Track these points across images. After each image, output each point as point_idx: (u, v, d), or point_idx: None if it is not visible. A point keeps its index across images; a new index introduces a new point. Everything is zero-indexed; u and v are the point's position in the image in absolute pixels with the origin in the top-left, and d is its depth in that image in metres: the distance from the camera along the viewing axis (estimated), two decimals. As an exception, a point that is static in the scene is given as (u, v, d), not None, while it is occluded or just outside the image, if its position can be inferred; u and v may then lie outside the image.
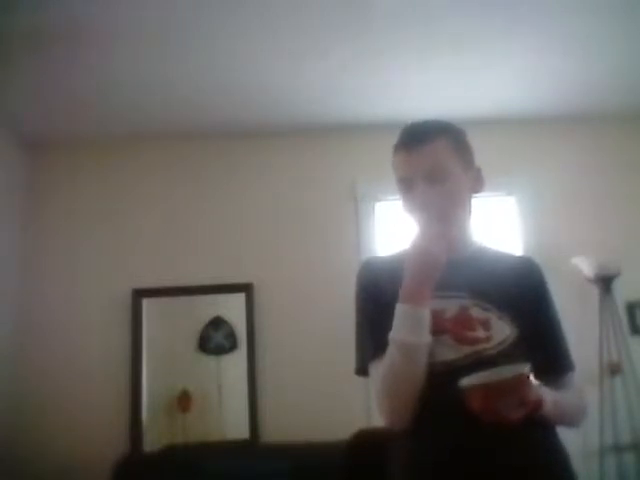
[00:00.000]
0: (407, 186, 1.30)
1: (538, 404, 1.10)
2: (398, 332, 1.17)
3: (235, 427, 3.00)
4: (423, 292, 1.17)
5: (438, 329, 1.20)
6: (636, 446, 2.91)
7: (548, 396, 1.15)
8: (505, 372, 1.05)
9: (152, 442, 2.91)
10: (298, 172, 3.32)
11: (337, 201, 3.27)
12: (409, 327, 1.16)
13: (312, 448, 2.69)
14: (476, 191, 1.35)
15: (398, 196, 1.35)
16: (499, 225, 3.22)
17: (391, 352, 1.18)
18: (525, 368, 1.06)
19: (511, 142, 3.25)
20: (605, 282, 3.02)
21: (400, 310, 1.18)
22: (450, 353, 1.20)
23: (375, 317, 1.28)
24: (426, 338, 1.16)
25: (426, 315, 1.17)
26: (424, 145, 1.27)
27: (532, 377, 1.25)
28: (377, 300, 1.29)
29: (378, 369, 1.23)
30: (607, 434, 2.89)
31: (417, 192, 1.27)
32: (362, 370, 1.31)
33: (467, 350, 1.20)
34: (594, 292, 3.06)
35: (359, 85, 2.89)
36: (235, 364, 3.06)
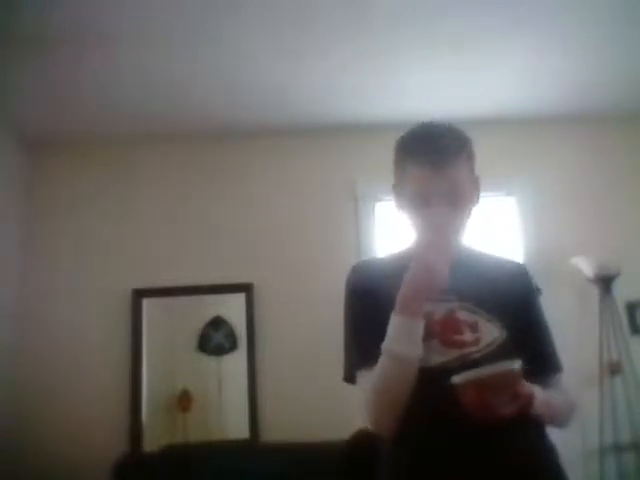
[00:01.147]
0: (423, 202, 1.25)
1: (529, 400, 1.10)
2: (393, 344, 1.16)
3: (235, 427, 3.00)
4: (420, 305, 1.16)
5: (427, 331, 1.20)
6: (636, 446, 2.91)
7: (539, 394, 1.16)
8: (497, 368, 1.06)
9: (152, 442, 2.91)
10: (298, 172, 3.32)
11: (337, 201, 3.27)
12: (405, 340, 1.15)
13: (312, 448, 2.69)
14: (477, 200, 1.34)
15: (406, 207, 1.30)
16: (499, 225, 3.22)
17: (383, 362, 1.17)
18: (516, 364, 1.07)
19: (511, 142, 3.25)
20: (605, 282, 3.02)
21: (396, 321, 1.16)
22: (438, 356, 1.20)
23: (364, 325, 1.28)
24: (419, 351, 1.16)
25: (421, 328, 1.16)
26: (448, 165, 1.23)
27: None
28: (366, 308, 1.28)
29: (367, 378, 1.22)
30: (607, 434, 2.88)
31: (435, 212, 1.23)
32: (351, 377, 1.31)
33: (455, 353, 1.20)
34: (594, 292, 3.06)
35: (359, 85, 2.89)
36: (235, 364, 3.06)
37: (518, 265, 1.43)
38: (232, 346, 3.09)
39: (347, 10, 2.31)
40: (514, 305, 1.28)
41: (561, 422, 1.29)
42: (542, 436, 1.25)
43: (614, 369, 2.98)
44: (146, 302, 3.10)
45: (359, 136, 3.26)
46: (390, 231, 3.21)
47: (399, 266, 1.32)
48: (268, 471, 2.59)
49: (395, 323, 1.16)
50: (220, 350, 3.08)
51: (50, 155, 3.29)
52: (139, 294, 3.09)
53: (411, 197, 1.27)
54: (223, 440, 2.97)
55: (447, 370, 1.14)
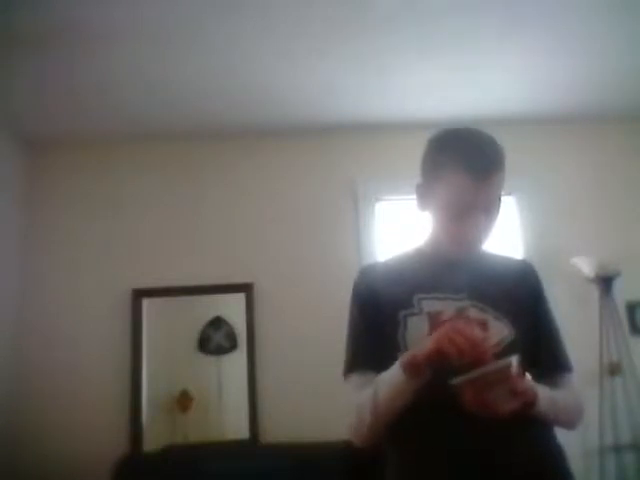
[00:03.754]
0: (463, 210, 1.24)
1: (531, 396, 1.11)
2: (385, 397, 1.17)
3: (235, 427, 3.00)
4: (425, 371, 1.13)
5: (436, 331, 1.20)
6: (636, 446, 2.91)
7: (544, 392, 1.17)
8: (491, 365, 1.07)
9: (152, 442, 2.91)
10: (298, 172, 3.32)
11: (337, 201, 3.27)
12: (399, 397, 1.16)
13: (312, 448, 2.69)
14: None
15: (438, 210, 1.28)
16: (499, 225, 3.21)
17: (376, 396, 1.18)
18: (512, 359, 1.08)
19: (511, 142, 3.21)
20: (605, 282, 3.02)
21: (396, 376, 1.15)
22: None
23: (362, 332, 1.30)
24: (409, 400, 1.16)
25: (417, 384, 1.15)
26: (494, 176, 1.24)
27: (528, 375, 1.26)
28: (366, 315, 1.30)
29: (356, 383, 1.26)
30: (607, 434, 2.89)
31: (476, 222, 1.25)
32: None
33: None
34: (594, 292, 3.06)
35: (359, 85, 2.89)
36: (235, 364, 3.06)
37: (525, 263, 1.44)
38: (232, 346, 3.09)
39: (347, 10, 2.31)
40: (523, 304, 1.30)
41: (569, 422, 1.29)
42: (549, 437, 1.25)
43: (614, 369, 2.98)
44: (146, 302, 3.10)
45: (359, 136, 3.26)
46: (390, 231, 3.21)
47: (405, 268, 1.33)
48: (268, 471, 2.59)
49: (397, 378, 1.15)
50: (220, 350, 3.08)
51: (50, 155, 3.29)
52: (139, 294, 3.09)
53: (449, 202, 1.25)
54: (223, 440, 2.96)
55: (456, 368, 1.14)
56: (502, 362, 1.07)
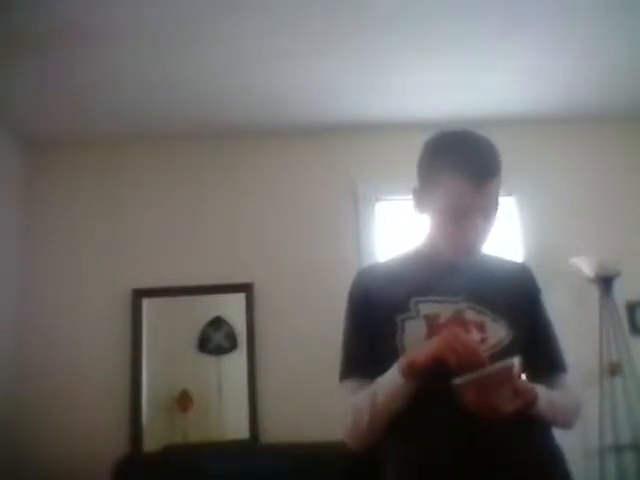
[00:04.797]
0: (459, 215, 1.24)
1: (532, 396, 1.12)
2: (384, 399, 1.18)
3: (235, 427, 3.00)
4: (421, 375, 1.15)
5: (433, 334, 1.21)
6: (636, 446, 2.91)
7: (543, 394, 1.17)
8: (494, 366, 1.08)
9: (152, 442, 2.91)
10: (298, 172, 3.32)
11: (337, 201, 3.27)
12: (396, 397, 1.17)
13: (312, 448, 2.69)
14: None
15: (435, 214, 1.28)
16: (499, 225, 3.21)
17: (374, 399, 1.19)
18: (515, 360, 1.09)
19: (511, 142, 3.22)
20: (605, 282, 3.02)
21: (394, 378, 1.17)
22: None
23: (357, 336, 1.30)
24: (405, 402, 1.17)
25: (412, 388, 1.17)
26: (490, 182, 1.23)
27: (525, 377, 1.27)
28: (362, 320, 1.30)
29: (350, 389, 1.26)
30: (607, 434, 2.89)
31: (474, 225, 1.24)
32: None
33: None
34: (594, 292, 3.06)
35: (359, 85, 2.89)
36: (235, 364, 3.06)
37: (522, 266, 1.44)
38: (232, 346, 3.09)
39: (347, 10, 2.31)
40: (520, 305, 1.30)
41: (565, 423, 1.29)
42: (548, 437, 1.25)
43: (614, 369, 2.98)
44: (146, 302, 3.10)
45: (359, 136, 3.26)
46: (390, 231, 3.21)
47: (402, 270, 1.33)
48: (268, 471, 2.59)
49: (392, 380, 1.17)
50: (220, 350, 3.08)
51: (50, 155, 3.30)
52: (139, 294, 3.09)
53: (446, 207, 1.24)
54: (223, 440, 2.97)
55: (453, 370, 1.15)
56: (505, 363, 1.08)
